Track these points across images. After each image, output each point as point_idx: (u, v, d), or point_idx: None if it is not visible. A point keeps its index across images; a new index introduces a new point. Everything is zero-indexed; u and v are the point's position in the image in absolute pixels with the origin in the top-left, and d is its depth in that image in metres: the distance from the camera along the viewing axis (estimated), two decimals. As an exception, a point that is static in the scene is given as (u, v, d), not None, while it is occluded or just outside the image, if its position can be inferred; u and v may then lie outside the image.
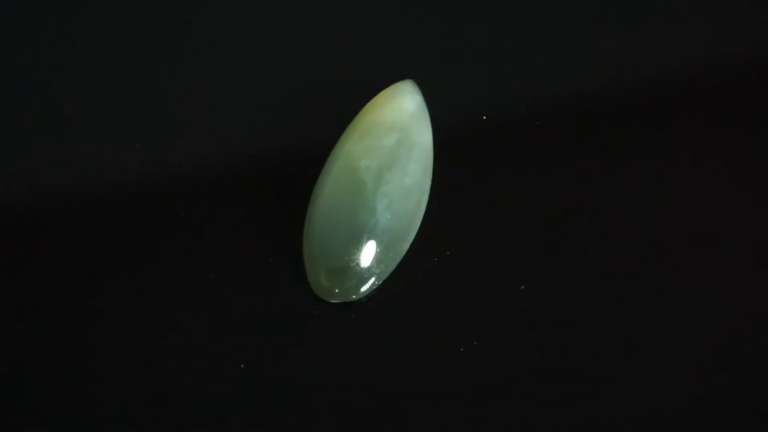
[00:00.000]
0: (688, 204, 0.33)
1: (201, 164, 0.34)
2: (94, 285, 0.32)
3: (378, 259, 0.31)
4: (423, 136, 0.32)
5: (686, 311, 0.31)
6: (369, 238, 0.31)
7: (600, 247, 0.32)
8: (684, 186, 0.33)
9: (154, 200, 0.33)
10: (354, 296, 0.31)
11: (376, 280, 0.31)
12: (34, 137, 0.34)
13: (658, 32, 0.35)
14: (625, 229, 0.32)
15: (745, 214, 0.33)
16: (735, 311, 0.31)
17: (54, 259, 0.32)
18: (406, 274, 0.32)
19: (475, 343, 0.31)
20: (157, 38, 0.36)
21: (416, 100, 0.32)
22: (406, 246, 0.31)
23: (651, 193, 0.33)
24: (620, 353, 0.31)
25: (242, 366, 0.31)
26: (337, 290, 0.31)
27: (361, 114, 0.32)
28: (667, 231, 0.32)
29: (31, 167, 0.34)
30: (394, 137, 0.31)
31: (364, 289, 0.31)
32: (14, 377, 0.31)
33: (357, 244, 0.31)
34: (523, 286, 0.32)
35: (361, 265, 0.31)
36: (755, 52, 0.35)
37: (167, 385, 0.31)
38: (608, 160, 0.33)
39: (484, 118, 0.34)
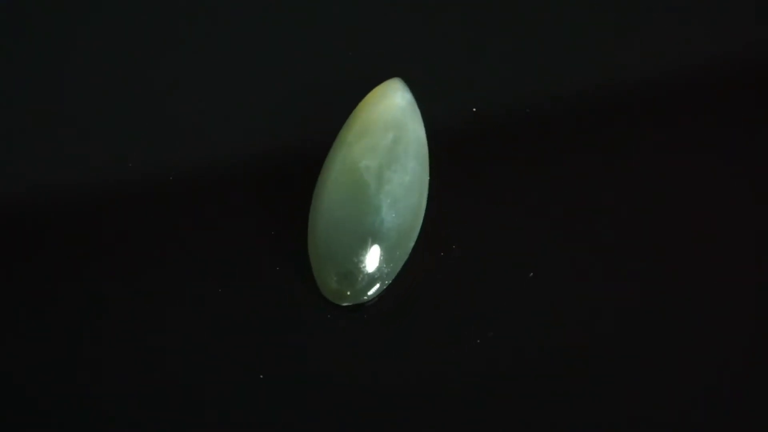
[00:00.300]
0: (688, 204, 0.33)
1: (199, 165, 0.34)
2: (95, 286, 0.32)
3: (386, 259, 0.31)
4: (417, 132, 0.32)
5: (686, 311, 0.31)
6: (376, 238, 0.31)
7: (600, 245, 0.32)
8: (684, 186, 0.33)
9: (153, 201, 0.33)
10: (365, 297, 0.31)
11: (386, 279, 0.31)
12: (34, 137, 0.34)
13: (658, 32, 0.35)
14: (624, 228, 0.32)
15: (745, 214, 0.33)
16: (735, 311, 0.31)
17: (54, 259, 0.32)
18: (413, 272, 0.32)
19: (491, 334, 0.31)
20: (155, 39, 0.36)
21: (407, 98, 0.32)
22: (411, 243, 0.31)
23: (651, 193, 0.33)
24: (621, 352, 0.31)
25: (261, 376, 0.31)
26: (348, 293, 0.31)
27: (354, 114, 0.32)
28: (667, 230, 0.32)
29: (31, 167, 0.34)
30: (391, 136, 0.32)
31: (374, 289, 0.31)
32: (14, 377, 0.31)
33: (365, 245, 0.31)
34: (531, 274, 0.32)
35: (371, 266, 0.31)
36: (755, 52, 0.35)
37: (175, 387, 0.31)
38: (607, 159, 0.34)
39: (474, 110, 0.34)
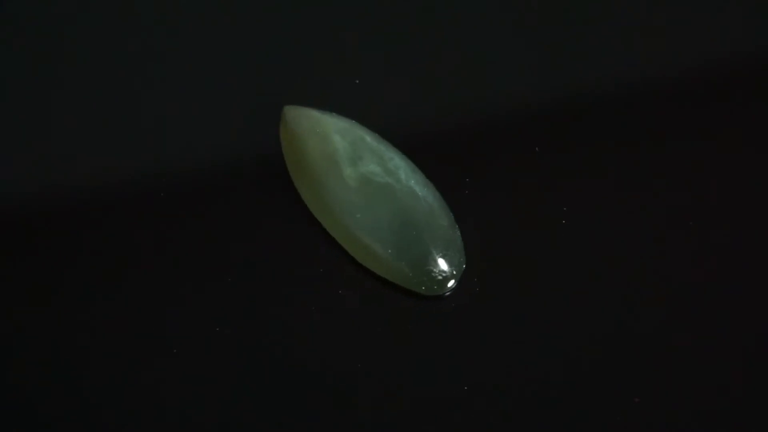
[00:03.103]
0: (687, 204, 0.33)
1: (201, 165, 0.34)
2: (103, 289, 0.32)
3: (451, 225, 0.32)
4: (357, 124, 0.32)
5: (691, 313, 0.31)
6: (433, 215, 0.31)
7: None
8: (682, 185, 0.33)
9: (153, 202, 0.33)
10: (464, 266, 0.31)
11: (460, 241, 0.32)
12: (28, 139, 0.34)
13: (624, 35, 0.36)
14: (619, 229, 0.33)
15: (746, 216, 0.33)
16: (736, 313, 0.31)
17: (66, 261, 0.32)
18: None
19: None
20: (151, 39, 0.36)
21: (315, 110, 0.32)
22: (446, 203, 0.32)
23: (646, 193, 0.33)
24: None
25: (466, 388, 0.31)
26: (453, 272, 0.31)
27: (300, 147, 0.32)
28: (667, 230, 0.32)
29: (28, 168, 0.34)
30: (357, 137, 0.32)
31: (463, 255, 0.31)
32: (13, 378, 0.31)
33: (432, 227, 0.31)
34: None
35: (450, 238, 0.31)
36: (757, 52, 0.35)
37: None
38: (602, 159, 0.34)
39: (357, 81, 0.35)
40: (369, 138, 0.32)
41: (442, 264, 0.31)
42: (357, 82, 0.35)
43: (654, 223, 0.32)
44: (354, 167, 0.32)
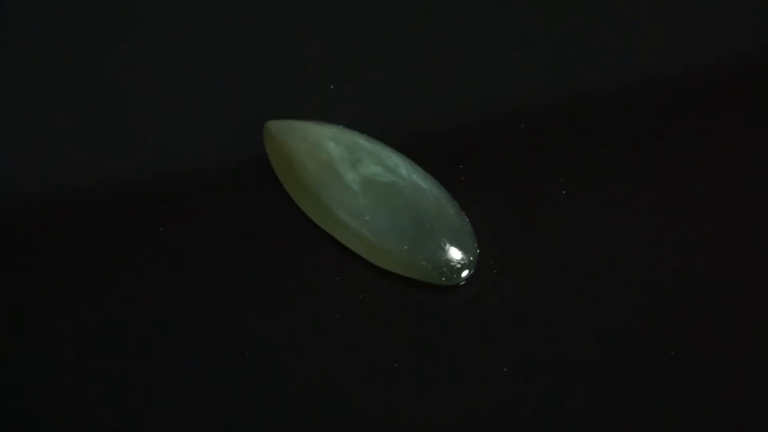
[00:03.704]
0: (687, 203, 0.33)
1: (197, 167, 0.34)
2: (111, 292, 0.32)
3: (458, 213, 0.32)
4: (343, 128, 0.32)
5: (692, 312, 0.31)
6: (441, 206, 0.31)
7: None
8: (683, 184, 0.33)
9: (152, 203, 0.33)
10: (478, 251, 0.31)
11: (472, 228, 0.31)
12: (28, 139, 0.34)
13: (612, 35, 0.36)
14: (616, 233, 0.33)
15: (746, 215, 0.33)
16: (736, 313, 0.31)
17: (72, 262, 0.32)
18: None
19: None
20: (151, 41, 0.36)
21: (297, 121, 0.32)
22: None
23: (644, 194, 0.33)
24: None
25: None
26: (471, 258, 0.31)
27: (294, 162, 0.32)
28: (668, 230, 0.32)
29: (28, 168, 0.34)
30: (352, 141, 0.32)
31: (475, 242, 0.31)
32: (13, 378, 0.31)
33: (443, 217, 0.31)
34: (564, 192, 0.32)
35: (462, 226, 0.31)
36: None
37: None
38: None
39: (332, 86, 0.34)
40: (362, 140, 0.32)
41: (459, 252, 0.31)
42: (332, 87, 0.35)
43: (655, 222, 0.33)
44: (354, 171, 0.31)
